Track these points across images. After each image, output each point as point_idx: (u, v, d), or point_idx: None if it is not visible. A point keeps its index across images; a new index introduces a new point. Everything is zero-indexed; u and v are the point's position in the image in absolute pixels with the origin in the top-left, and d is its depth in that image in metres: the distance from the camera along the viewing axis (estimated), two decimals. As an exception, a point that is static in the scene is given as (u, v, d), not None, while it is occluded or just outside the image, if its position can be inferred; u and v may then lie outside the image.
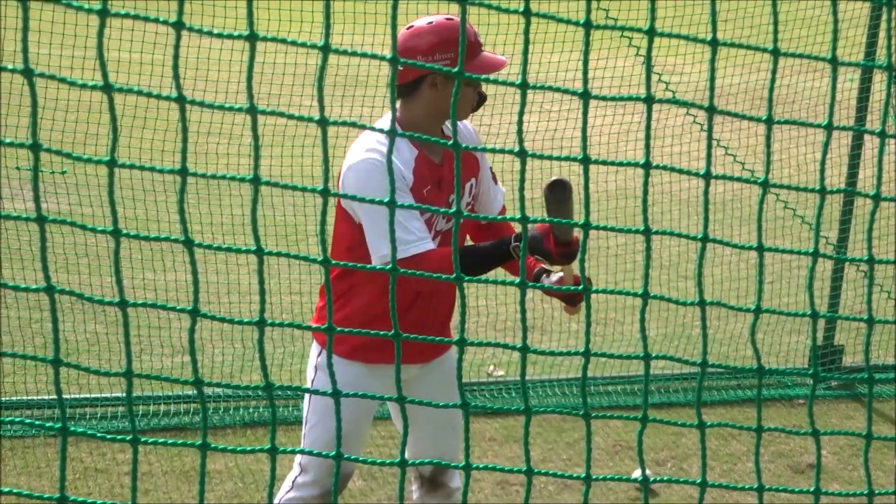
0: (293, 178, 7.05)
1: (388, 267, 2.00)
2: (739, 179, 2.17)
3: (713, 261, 7.75)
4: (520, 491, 5.53)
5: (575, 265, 3.75)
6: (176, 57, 1.83)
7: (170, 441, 2.01)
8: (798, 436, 6.22)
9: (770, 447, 6.16)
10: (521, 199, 2.03)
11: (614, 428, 6.30)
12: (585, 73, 2.01)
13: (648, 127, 2.04)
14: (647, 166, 2.04)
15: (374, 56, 1.98)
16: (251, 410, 6.29)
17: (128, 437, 1.95)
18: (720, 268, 7.77)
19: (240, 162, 5.79)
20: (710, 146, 2.11)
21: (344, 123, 1.97)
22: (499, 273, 3.99)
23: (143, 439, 1.96)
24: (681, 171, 2.11)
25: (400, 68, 3.74)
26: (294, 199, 7.69)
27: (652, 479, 2.66)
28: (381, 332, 2.10)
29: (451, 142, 1.98)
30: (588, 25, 1.98)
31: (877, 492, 2.29)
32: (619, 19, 6.82)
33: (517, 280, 2.06)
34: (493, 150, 2.03)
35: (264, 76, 7.16)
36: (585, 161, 2.03)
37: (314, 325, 2.10)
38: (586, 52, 2.01)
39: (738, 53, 8.35)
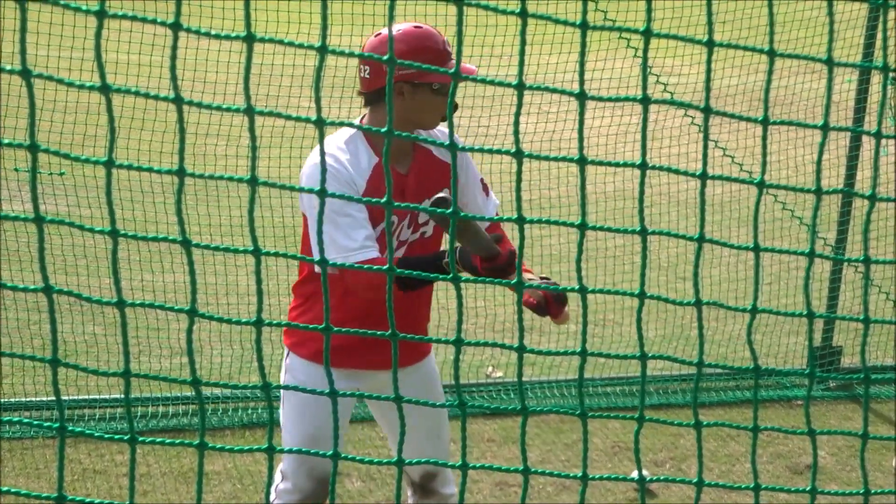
0: (291, 179, 7.05)
1: (385, 268, 2.01)
2: (736, 180, 2.17)
3: (711, 262, 7.76)
4: (518, 492, 5.53)
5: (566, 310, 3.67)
6: (173, 58, 1.83)
7: (168, 441, 2.01)
8: (797, 437, 6.22)
9: (769, 448, 6.16)
10: (518, 199, 2.04)
11: (613, 429, 6.31)
12: (582, 74, 2.02)
13: (645, 128, 2.04)
14: (643, 167, 2.04)
15: (372, 57, 1.99)
16: (249, 412, 6.29)
17: (126, 437, 1.96)
18: (718, 269, 7.77)
19: (238, 163, 5.80)
20: (706, 147, 2.12)
21: (342, 124, 1.98)
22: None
23: (140, 439, 1.96)
24: (677, 172, 2.12)
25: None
26: (292, 201, 7.69)
27: (648, 478, 2.66)
28: (380, 333, 2.11)
29: (447, 143, 1.99)
30: (585, 26, 1.98)
31: (873, 491, 2.29)
32: (616, 20, 6.83)
33: (513, 281, 2.06)
34: (490, 151, 2.03)
35: (262, 77, 7.18)
36: (582, 162, 2.03)
37: (311, 326, 2.10)
38: (583, 54, 2.02)
39: (736, 55, 8.35)
